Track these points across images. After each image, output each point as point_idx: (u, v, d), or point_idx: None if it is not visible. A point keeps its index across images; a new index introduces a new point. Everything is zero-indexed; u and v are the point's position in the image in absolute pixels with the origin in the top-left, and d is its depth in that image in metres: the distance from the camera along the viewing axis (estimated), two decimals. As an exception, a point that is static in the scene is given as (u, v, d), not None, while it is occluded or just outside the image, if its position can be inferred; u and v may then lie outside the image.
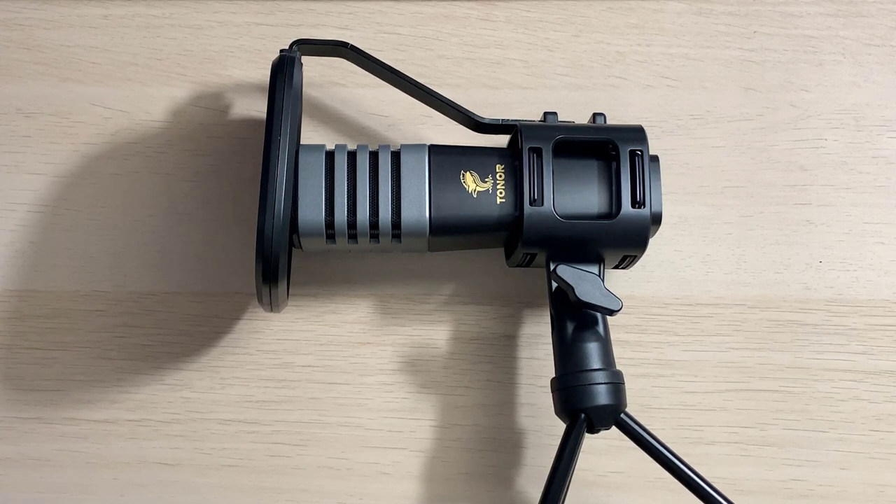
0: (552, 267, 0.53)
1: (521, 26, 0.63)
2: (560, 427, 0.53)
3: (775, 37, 0.63)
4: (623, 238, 0.53)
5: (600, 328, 0.53)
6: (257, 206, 0.50)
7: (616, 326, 0.57)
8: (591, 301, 0.51)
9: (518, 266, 0.57)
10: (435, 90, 0.57)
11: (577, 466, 0.52)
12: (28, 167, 0.61)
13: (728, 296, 0.60)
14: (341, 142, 0.61)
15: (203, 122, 0.61)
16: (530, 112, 0.61)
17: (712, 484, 0.52)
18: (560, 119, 0.56)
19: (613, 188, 0.54)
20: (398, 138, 0.61)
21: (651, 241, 0.54)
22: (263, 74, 0.62)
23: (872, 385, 0.59)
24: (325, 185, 0.53)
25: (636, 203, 0.53)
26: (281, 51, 0.54)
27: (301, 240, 0.53)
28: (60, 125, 0.61)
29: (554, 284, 0.53)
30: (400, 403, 0.59)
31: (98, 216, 0.60)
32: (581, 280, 0.52)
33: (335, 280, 0.60)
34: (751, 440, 0.59)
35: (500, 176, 0.54)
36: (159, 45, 0.62)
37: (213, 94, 0.62)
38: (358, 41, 0.59)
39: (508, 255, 0.57)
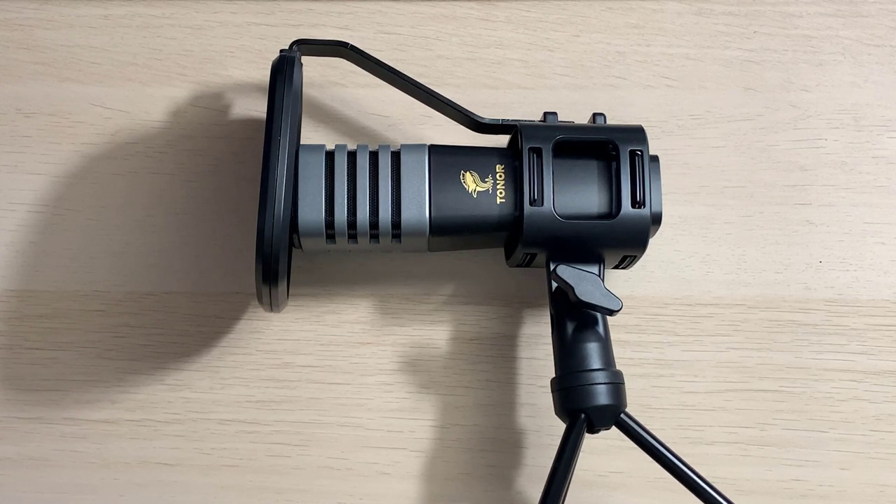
0: (552, 267, 0.53)
1: (521, 26, 0.63)
2: (560, 427, 0.53)
3: (775, 37, 0.63)
4: (623, 238, 0.53)
5: (600, 328, 0.53)
6: (257, 206, 0.50)
7: (616, 326, 0.57)
8: (591, 301, 0.51)
9: (518, 266, 0.57)
10: (435, 90, 0.57)
11: (577, 466, 0.52)
12: (28, 167, 0.61)
13: (728, 296, 0.60)
14: (341, 142, 0.61)
15: (203, 122, 0.61)
16: (530, 112, 0.61)
17: (712, 484, 0.52)
18: (560, 119, 0.56)
19: (613, 188, 0.54)
20: (398, 138, 0.61)
21: (651, 241, 0.54)
22: (263, 74, 0.62)
23: (872, 385, 0.59)
24: (325, 185, 0.53)
25: (636, 203, 0.53)
26: (281, 51, 0.54)
27: (301, 240, 0.53)
28: (60, 125, 0.61)
29: (554, 284, 0.53)
30: (400, 403, 0.59)
31: (98, 216, 0.60)
32: (581, 280, 0.52)
33: (335, 280, 0.60)
34: (751, 440, 0.59)
35: (500, 176, 0.54)
36: (159, 45, 0.62)
37: (213, 94, 0.62)
38: (358, 41, 0.59)
39: (508, 255, 0.57)
